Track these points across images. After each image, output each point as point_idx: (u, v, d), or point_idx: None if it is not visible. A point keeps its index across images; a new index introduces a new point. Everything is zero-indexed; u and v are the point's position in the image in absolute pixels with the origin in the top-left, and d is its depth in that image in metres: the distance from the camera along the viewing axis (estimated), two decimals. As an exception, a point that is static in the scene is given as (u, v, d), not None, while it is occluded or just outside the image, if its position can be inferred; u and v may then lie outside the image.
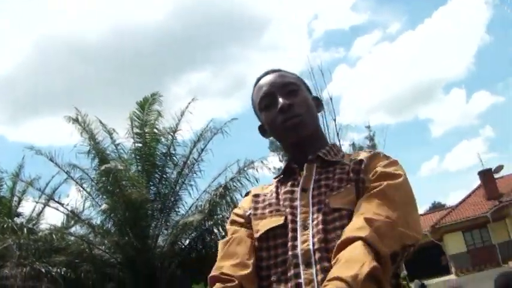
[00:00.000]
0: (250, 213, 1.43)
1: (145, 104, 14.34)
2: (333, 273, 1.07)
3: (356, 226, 1.16)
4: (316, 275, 1.18)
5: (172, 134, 14.60)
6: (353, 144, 22.32)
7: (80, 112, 14.20)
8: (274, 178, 1.51)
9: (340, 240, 1.16)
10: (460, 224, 29.31)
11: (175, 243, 13.93)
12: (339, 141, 20.71)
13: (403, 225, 1.19)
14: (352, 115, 63.45)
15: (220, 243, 1.40)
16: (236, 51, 66.50)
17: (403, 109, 77.81)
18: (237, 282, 1.25)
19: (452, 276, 28.75)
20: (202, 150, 14.71)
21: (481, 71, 71.56)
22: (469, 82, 72.24)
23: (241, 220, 1.44)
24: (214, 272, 1.31)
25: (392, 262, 1.14)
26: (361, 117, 72.97)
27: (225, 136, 14.56)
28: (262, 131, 1.55)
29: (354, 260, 1.07)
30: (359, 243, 1.11)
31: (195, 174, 14.67)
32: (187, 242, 14.43)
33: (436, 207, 53.90)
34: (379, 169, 1.31)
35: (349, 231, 1.16)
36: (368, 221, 1.15)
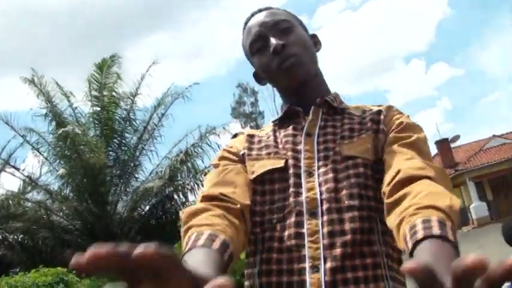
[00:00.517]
0: (244, 153, 1.26)
1: (104, 66, 13.95)
2: (420, 202, 0.91)
3: (417, 165, 1.04)
4: (322, 227, 1.08)
5: (132, 98, 14.31)
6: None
7: (37, 73, 13.75)
8: (272, 121, 1.36)
9: (400, 177, 1.02)
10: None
11: (135, 209, 13.80)
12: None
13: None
14: (313, 84, 63.54)
15: (212, 172, 1.23)
16: (197, 14, 65.12)
17: (363, 78, 78.33)
18: (239, 206, 1.09)
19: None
20: (162, 115, 14.53)
21: (441, 43, 72.64)
22: (428, 53, 73.33)
23: (234, 158, 1.26)
24: (208, 192, 1.13)
25: None
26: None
27: (186, 101, 14.39)
28: (258, 77, 1.40)
29: (439, 193, 0.93)
30: (428, 181, 0.98)
31: (155, 140, 14.52)
32: (147, 208, 14.32)
33: (394, 175, 55.03)
34: (403, 119, 1.22)
35: (410, 170, 1.03)
36: (427, 163, 1.05)
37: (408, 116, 1.27)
